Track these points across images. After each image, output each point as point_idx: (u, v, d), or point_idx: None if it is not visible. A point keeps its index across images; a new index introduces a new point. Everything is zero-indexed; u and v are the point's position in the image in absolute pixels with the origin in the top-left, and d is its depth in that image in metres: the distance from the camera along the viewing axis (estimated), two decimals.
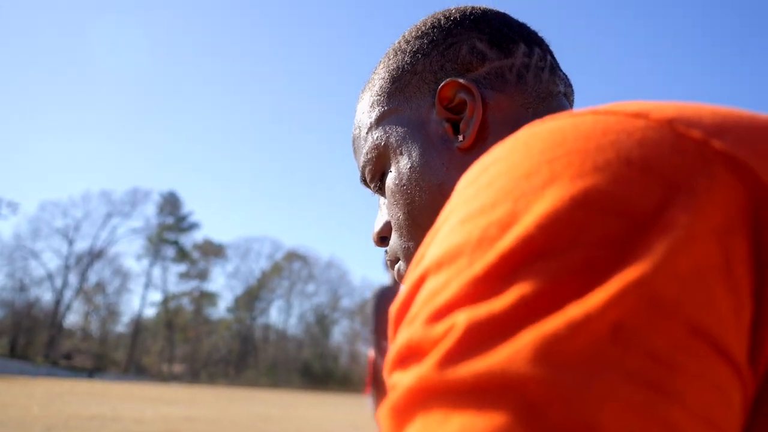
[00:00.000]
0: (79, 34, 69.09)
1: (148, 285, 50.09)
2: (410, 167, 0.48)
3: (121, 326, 50.35)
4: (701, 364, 0.20)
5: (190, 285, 52.56)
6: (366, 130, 0.53)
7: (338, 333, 54.12)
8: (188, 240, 52.57)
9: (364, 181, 0.55)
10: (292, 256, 54.07)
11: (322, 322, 54.08)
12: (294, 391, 39.84)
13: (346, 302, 54.17)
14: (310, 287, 54.64)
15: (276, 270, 53.66)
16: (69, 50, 70.12)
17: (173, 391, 22.04)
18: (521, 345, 0.20)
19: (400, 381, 0.23)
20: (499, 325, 0.21)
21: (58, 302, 45.14)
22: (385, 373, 0.25)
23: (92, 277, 47.43)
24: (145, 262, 50.84)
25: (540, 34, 0.53)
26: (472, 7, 0.52)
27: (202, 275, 52.75)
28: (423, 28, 0.52)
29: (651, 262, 0.21)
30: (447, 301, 0.23)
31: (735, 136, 0.25)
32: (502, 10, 0.53)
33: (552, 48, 0.54)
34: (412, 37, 0.52)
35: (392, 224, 0.51)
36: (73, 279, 46.76)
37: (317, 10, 78.95)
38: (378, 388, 3.60)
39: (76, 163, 71.84)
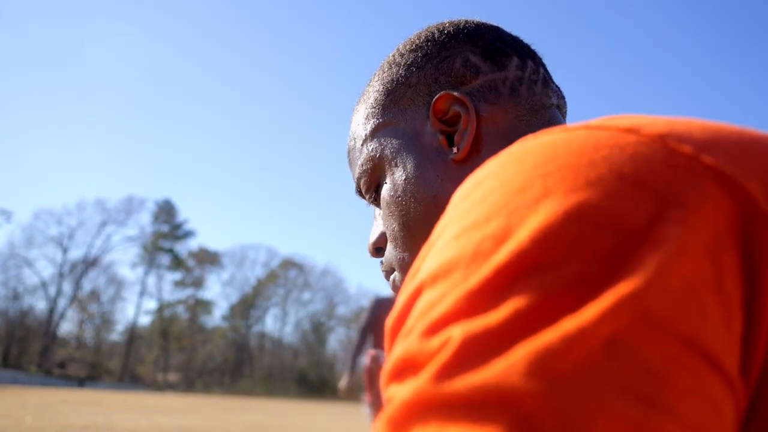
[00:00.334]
0: (74, 43, 69.23)
1: (142, 293, 50.35)
2: (405, 179, 0.49)
3: (116, 335, 51.27)
4: (694, 377, 0.20)
5: (186, 293, 52.68)
6: (361, 142, 0.53)
7: (334, 341, 54.04)
8: (183, 248, 52.85)
9: (359, 192, 0.55)
10: (288, 263, 54.17)
11: (318, 330, 54.01)
12: (290, 400, 39.61)
13: (342, 310, 54.18)
14: (306, 295, 54.81)
15: (271, 278, 53.69)
16: (64, 60, 70.22)
17: (168, 401, 21.90)
18: (516, 359, 0.20)
19: (397, 394, 0.23)
20: (494, 339, 0.21)
21: (51, 311, 45.10)
22: (381, 385, 0.25)
23: (87, 286, 48.08)
24: (140, 270, 51.16)
25: (533, 47, 0.54)
26: (466, 21, 0.53)
27: (198, 283, 52.84)
28: (417, 41, 0.53)
29: (643, 276, 0.21)
30: (443, 315, 0.23)
31: (725, 152, 0.26)
32: (495, 24, 0.54)
33: (545, 60, 0.54)
34: (407, 51, 0.53)
35: (387, 235, 0.52)
36: (67, 287, 46.97)
37: (314, 20, 79.40)
38: (375, 397, 3.55)
39: (71, 171, 71.95)
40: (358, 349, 3.79)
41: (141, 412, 12.91)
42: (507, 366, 0.20)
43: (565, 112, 0.54)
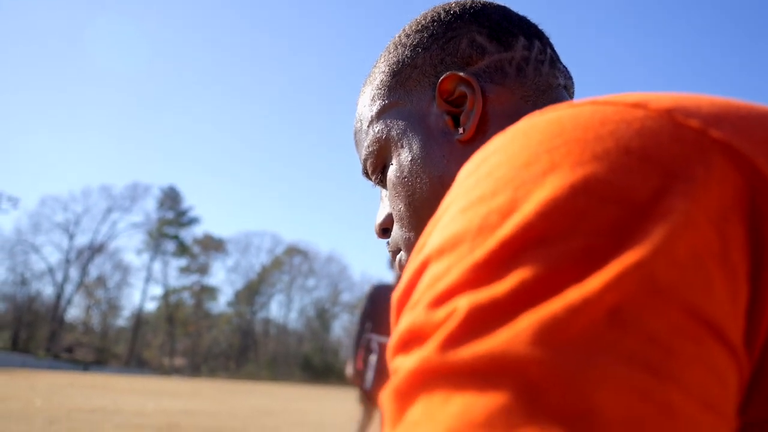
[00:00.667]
0: (79, 30, 68.98)
1: (148, 279, 49.97)
2: (411, 159, 0.49)
3: (122, 320, 50.35)
4: (698, 346, 0.21)
5: (191, 279, 52.43)
6: (367, 124, 0.53)
7: (338, 327, 54.05)
8: (188, 235, 52.45)
9: (365, 173, 0.55)
10: (293, 250, 53.97)
11: (322, 317, 54.12)
12: (294, 385, 39.55)
13: (346, 297, 54.20)
14: (311, 282, 54.70)
15: (276, 264, 53.53)
16: (69, 46, 70.02)
17: (174, 385, 21.92)
18: (521, 328, 0.20)
19: (403, 364, 0.23)
20: (499, 309, 0.21)
21: (59, 296, 45.13)
22: (388, 358, 0.25)
23: (93, 272, 47.42)
24: (146, 256, 50.72)
25: (540, 27, 0.53)
26: (472, 1, 0.53)
27: (203, 270, 52.59)
28: (423, 21, 0.52)
29: (649, 247, 0.21)
30: (449, 287, 0.23)
31: (732, 126, 0.25)
32: (501, 4, 0.53)
33: (552, 41, 0.54)
34: (413, 31, 0.52)
35: (394, 216, 0.52)
36: (74, 273, 46.71)
37: (317, 6, 78.78)
38: (369, 380, 3.74)
39: (76, 158, 71.87)
40: (359, 337, 3.90)
41: (148, 395, 12.95)
42: (512, 335, 0.20)
43: (573, 93, 0.54)
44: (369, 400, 3.86)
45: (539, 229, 0.23)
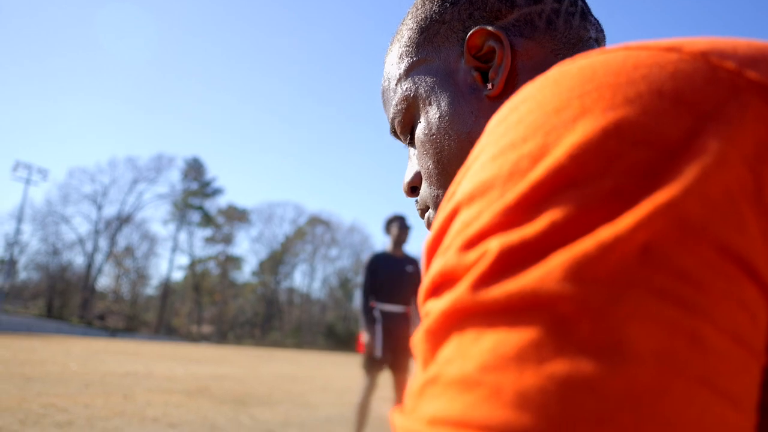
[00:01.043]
0: (104, 1, 68.76)
1: (175, 249, 50.80)
2: (439, 117, 0.48)
3: (151, 289, 51.34)
4: (729, 283, 0.21)
5: (216, 249, 52.92)
6: (395, 82, 0.53)
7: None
8: (212, 205, 52.76)
9: (393, 132, 0.55)
10: (315, 220, 53.78)
11: (345, 286, 54.61)
12: (318, 352, 40.08)
13: None
14: (333, 251, 54.85)
15: (299, 235, 53.47)
16: (94, 19, 69.95)
17: (202, 351, 22.18)
18: (552, 266, 0.21)
19: (434, 307, 0.24)
20: (530, 249, 0.22)
21: (89, 266, 45.99)
22: (419, 305, 0.26)
23: (121, 242, 48.18)
24: (172, 227, 51.47)
25: None
26: None
27: (227, 240, 52.76)
28: None
29: (681, 185, 0.21)
30: (480, 230, 0.24)
31: None
32: None
33: None
34: None
35: (422, 174, 0.52)
36: (103, 243, 47.52)
37: None
38: (378, 348, 3.84)
39: (102, 130, 72.58)
40: (366, 307, 4.02)
41: (177, 361, 13.34)
42: (543, 273, 0.21)
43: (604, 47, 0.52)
44: (374, 367, 3.94)
45: (570, 171, 0.23)
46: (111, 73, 71.71)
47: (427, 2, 0.52)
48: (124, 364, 10.81)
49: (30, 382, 6.41)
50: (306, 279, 55.01)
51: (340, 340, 50.98)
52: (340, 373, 15.22)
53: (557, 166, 0.23)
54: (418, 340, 0.24)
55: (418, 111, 0.51)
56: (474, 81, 0.47)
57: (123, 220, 47.81)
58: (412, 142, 0.54)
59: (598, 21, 0.52)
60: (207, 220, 51.65)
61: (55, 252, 46.00)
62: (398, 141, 0.56)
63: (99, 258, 47.34)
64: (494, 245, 0.22)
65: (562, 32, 0.48)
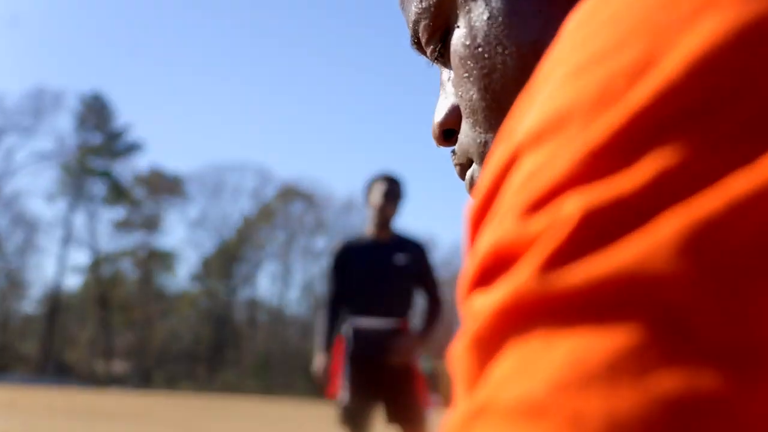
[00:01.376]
0: None
1: (67, 240, 40.13)
2: (488, 18, 0.38)
3: (30, 304, 42.12)
4: None
5: (133, 240, 42.79)
6: None
7: None
8: (126, 169, 42.28)
9: (416, 43, 0.43)
10: (290, 193, 43.39)
11: None
12: (296, 400, 33.00)
13: None
14: (319, 242, 43.92)
15: (265, 215, 43.49)
16: None
17: (113, 401, 19.27)
18: (661, 235, 0.16)
19: (483, 303, 0.18)
20: (628, 211, 0.16)
21: None
22: (459, 300, 0.20)
23: None
24: (61, 204, 40.71)
25: None
26: None
27: (151, 224, 42.78)
28: None
29: None
30: (551, 184, 0.18)
31: None
32: None
33: None
34: None
35: (462, 109, 0.40)
36: None
37: None
38: (346, 390, 3.21)
39: None
40: (331, 322, 3.32)
41: (73, 416, 11.42)
42: (648, 246, 0.16)
43: None
44: (353, 420, 3.17)
45: (687, 93, 0.17)
46: None
47: None
48: None
49: None
50: (277, 285, 44.87)
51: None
52: None
53: (668, 85, 0.17)
54: (458, 352, 0.19)
55: (454, 10, 0.40)
56: None
57: None
58: (444, 59, 0.42)
59: None
60: (117, 192, 41.59)
61: None
62: (422, 57, 0.44)
63: None
64: (573, 206, 0.17)
65: None
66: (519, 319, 0.17)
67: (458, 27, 0.38)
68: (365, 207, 3.49)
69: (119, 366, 41.78)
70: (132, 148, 42.33)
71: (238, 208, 43.93)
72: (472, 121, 0.39)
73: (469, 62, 0.38)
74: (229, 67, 58.79)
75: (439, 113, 0.42)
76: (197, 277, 44.38)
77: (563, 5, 0.35)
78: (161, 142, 60.19)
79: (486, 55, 0.37)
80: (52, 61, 55.28)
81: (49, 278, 42.81)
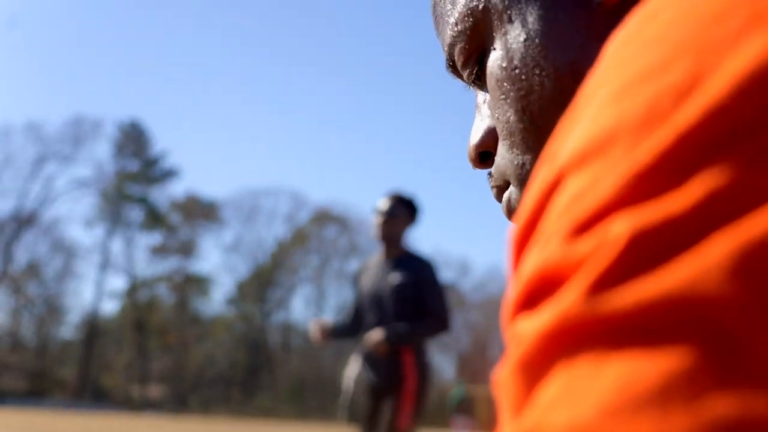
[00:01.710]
0: None
1: (104, 266, 41.65)
2: (525, 40, 0.38)
3: (68, 329, 42.87)
4: None
5: (169, 265, 44.12)
6: None
7: None
8: (162, 195, 43.67)
9: (451, 66, 0.43)
10: (324, 217, 44.58)
11: None
12: (330, 424, 32.18)
13: None
14: (353, 265, 44.54)
15: (299, 239, 44.69)
16: None
17: (149, 426, 19.75)
18: (712, 257, 0.16)
19: (529, 327, 0.19)
20: (677, 232, 0.16)
21: None
22: (502, 325, 0.21)
23: (20, 255, 39.53)
24: (99, 230, 42.20)
25: None
26: None
27: (187, 249, 44.16)
28: None
29: None
30: (597, 206, 0.18)
31: None
32: None
33: None
34: None
35: (499, 131, 0.40)
36: None
37: None
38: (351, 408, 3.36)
39: None
40: (340, 323, 3.44)
41: None
42: (699, 268, 0.16)
43: None
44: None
45: (737, 112, 0.17)
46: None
47: None
48: None
49: None
50: (311, 309, 45.06)
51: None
52: None
53: (716, 104, 0.17)
54: (503, 378, 0.19)
55: (490, 32, 0.39)
56: None
57: (22, 221, 39.37)
58: (480, 81, 0.42)
59: None
60: (154, 218, 43.11)
61: None
62: (458, 80, 0.44)
63: None
64: (621, 228, 0.17)
65: None
66: (567, 343, 0.17)
67: (494, 49, 0.38)
68: None
69: (155, 390, 42.60)
70: (168, 174, 43.58)
71: (273, 232, 44.85)
72: (509, 143, 0.39)
73: (506, 84, 0.38)
74: (264, 93, 60.26)
75: (475, 135, 0.42)
76: (232, 302, 45.16)
77: (601, 26, 0.35)
78: (197, 168, 61.39)
79: (523, 77, 0.37)
80: (90, 90, 57.15)
81: (86, 303, 43.75)
